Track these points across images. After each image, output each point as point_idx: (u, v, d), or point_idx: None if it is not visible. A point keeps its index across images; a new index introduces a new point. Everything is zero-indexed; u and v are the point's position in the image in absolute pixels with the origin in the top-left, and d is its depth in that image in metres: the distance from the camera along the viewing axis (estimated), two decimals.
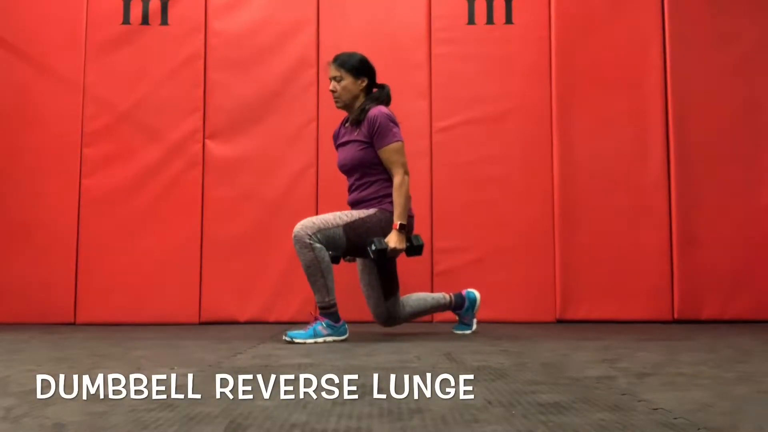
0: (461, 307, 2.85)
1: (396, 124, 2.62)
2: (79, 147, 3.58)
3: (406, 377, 1.26)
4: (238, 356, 2.02)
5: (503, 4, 3.70)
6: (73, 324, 3.48)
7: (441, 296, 2.85)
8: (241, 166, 3.59)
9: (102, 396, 1.30)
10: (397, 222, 2.53)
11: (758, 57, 3.65)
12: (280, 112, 3.62)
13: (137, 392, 1.35)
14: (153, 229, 3.54)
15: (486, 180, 3.59)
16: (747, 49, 3.66)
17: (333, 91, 2.67)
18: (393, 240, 2.51)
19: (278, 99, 3.62)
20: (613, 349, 2.21)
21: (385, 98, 2.70)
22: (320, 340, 2.48)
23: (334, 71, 2.67)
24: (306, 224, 2.49)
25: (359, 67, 2.68)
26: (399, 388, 1.39)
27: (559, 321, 3.52)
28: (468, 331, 2.84)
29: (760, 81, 3.64)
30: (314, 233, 2.47)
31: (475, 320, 2.87)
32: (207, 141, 3.60)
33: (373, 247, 2.49)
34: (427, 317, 3.53)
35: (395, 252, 2.53)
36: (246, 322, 3.47)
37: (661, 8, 3.67)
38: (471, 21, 3.70)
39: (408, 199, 2.57)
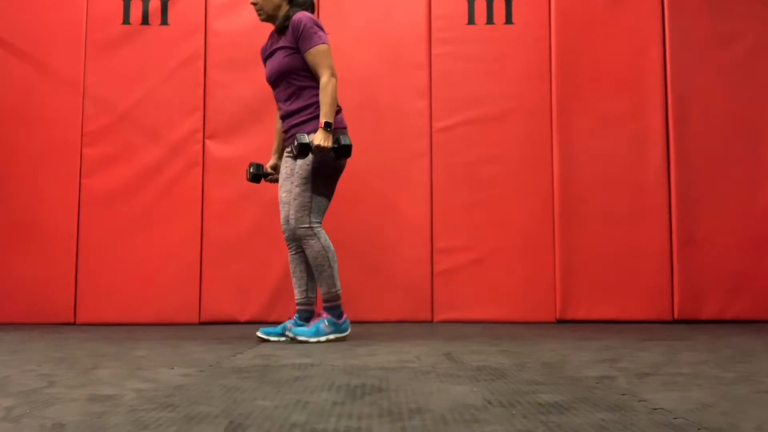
0: (338, 317, 2.54)
1: (321, 27, 2.56)
2: (79, 147, 3.58)
3: (407, 377, 1.26)
4: (238, 356, 2.02)
5: (503, 4, 3.70)
6: (73, 324, 3.49)
7: (338, 283, 2.56)
8: (241, 166, 3.58)
9: (102, 396, 1.30)
10: (322, 120, 2.45)
11: (758, 57, 3.65)
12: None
13: (137, 392, 1.35)
14: (153, 229, 3.54)
15: (486, 180, 3.59)
16: (747, 49, 3.66)
17: (254, 3, 2.61)
18: (318, 137, 2.41)
19: None
20: (613, 349, 2.21)
21: (309, 5, 2.66)
22: (323, 338, 2.48)
23: None
24: (295, 221, 2.49)
25: None
26: (399, 388, 1.39)
27: (559, 321, 3.52)
28: (303, 336, 2.46)
29: (760, 81, 3.64)
30: (309, 222, 2.48)
31: (324, 337, 2.49)
32: (207, 141, 3.60)
33: (296, 143, 2.43)
34: (427, 316, 3.54)
35: (320, 149, 2.42)
36: (246, 322, 3.47)
37: (661, 8, 3.67)
38: (471, 21, 3.70)
39: (334, 99, 2.49)
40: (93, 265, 3.52)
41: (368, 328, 3.16)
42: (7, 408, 1.20)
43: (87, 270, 3.52)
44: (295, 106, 2.57)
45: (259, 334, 2.56)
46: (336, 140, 2.46)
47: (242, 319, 3.50)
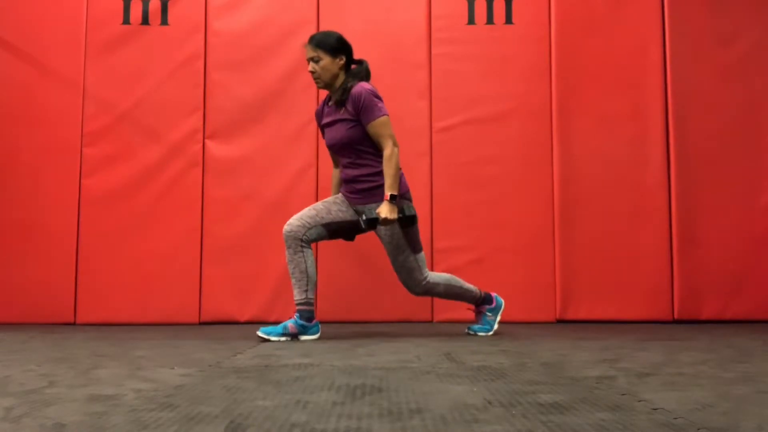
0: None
1: (379, 98, 2.63)
2: (79, 147, 3.58)
3: (407, 377, 1.26)
4: (238, 356, 2.02)
5: (503, 4, 3.70)
6: (73, 324, 3.49)
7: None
8: (241, 166, 3.60)
9: (102, 396, 1.30)
10: (387, 192, 2.54)
11: (758, 57, 3.65)
12: (280, 112, 3.62)
13: (137, 392, 1.35)
14: (153, 229, 3.54)
15: (486, 180, 3.59)
16: (747, 49, 3.66)
17: (312, 72, 2.67)
18: (384, 210, 2.53)
19: (278, 99, 3.63)
20: (613, 349, 2.21)
21: (364, 74, 2.71)
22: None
23: (311, 52, 2.67)
24: (411, 284, 2.71)
25: (336, 46, 2.67)
26: (399, 388, 1.39)
27: (559, 321, 3.52)
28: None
29: (760, 81, 3.64)
30: (420, 275, 2.69)
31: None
32: (207, 141, 3.60)
33: (364, 217, 2.55)
34: (427, 316, 3.54)
35: (387, 222, 2.53)
36: (246, 322, 3.47)
37: (661, 8, 3.67)
38: (471, 21, 3.70)
39: (398, 170, 2.59)
40: (93, 265, 3.52)
41: (368, 328, 3.16)
42: (7, 408, 1.20)
43: (87, 270, 3.52)
44: (358, 172, 2.66)
45: (259, 333, 2.56)
46: (401, 210, 2.57)
47: (242, 319, 3.50)
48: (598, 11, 3.68)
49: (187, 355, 2.04)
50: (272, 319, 3.46)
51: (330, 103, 2.73)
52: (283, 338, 2.55)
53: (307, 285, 2.58)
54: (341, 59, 2.68)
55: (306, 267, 2.58)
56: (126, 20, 3.66)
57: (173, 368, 1.74)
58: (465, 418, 1.09)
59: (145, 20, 3.66)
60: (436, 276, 2.73)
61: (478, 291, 2.81)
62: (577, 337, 2.66)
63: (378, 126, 2.59)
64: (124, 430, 1.02)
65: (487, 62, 3.66)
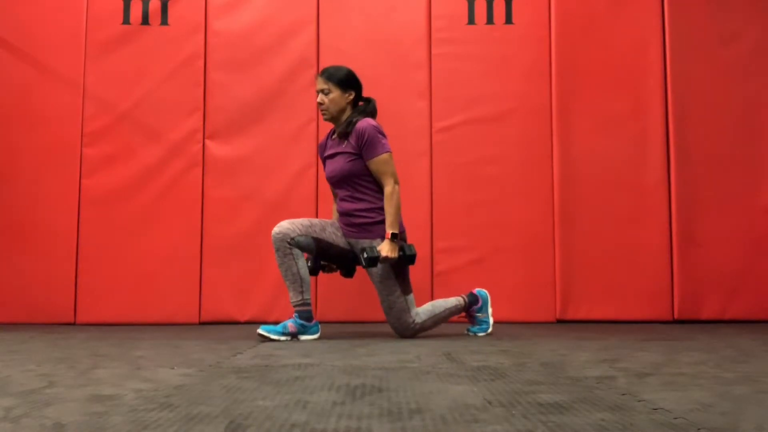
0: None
1: (383, 135, 2.65)
2: (79, 147, 3.58)
3: (407, 377, 1.26)
4: (238, 356, 2.02)
5: (503, 4, 3.70)
6: (73, 324, 3.49)
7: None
8: (241, 166, 3.60)
9: (102, 396, 1.30)
10: (389, 231, 2.56)
11: (758, 57, 3.65)
12: (280, 112, 3.62)
13: (137, 392, 1.35)
14: (153, 229, 3.54)
15: (486, 180, 3.59)
16: (747, 49, 3.66)
17: (320, 104, 2.69)
18: (385, 249, 2.54)
19: (278, 99, 3.63)
20: (613, 349, 2.21)
21: (371, 111, 2.73)
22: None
23: (321, 84, 2.69)
24: (399, 326, 2.66)
25: (347, 81, 2.69)
26: (399, 388, 1.39)
27: (559, 321, 3.52)
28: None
29: (760, 81, 3.64)
30: (409, 317, 2.65)
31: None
32: (207, 141, 3.60)
33: (365, 255, 2.53)
34: None
35: (387, 260, 2.54)
36: (246, 322, 3.47)
37: (661, 8, 3.67)
38: (471, 21, 3.70)
39: (398, 208, 2.60)
40: (93, 265, 3.52)
41: (368, 328, 3.16)
42: (7, 408, 1.20)
43: (87, 270, 3.52)
44: (355, 206, 2.65)
45: (260, 331, 2.56)
46: (401, 248, 2.57)
47: (242, 319, 3.50)
48: (598, 11, 3.68)
49: (187, 355, 2.04)
50: (272, 319, 3.46)
51: (333, 136, 2.75)
52: (283, 337, 2.55)
53: (302, 286, 2.57)
54: (350, 94, 2.70)
55: (297, 269, 2.56)
56: (126, 20, 3.66)
57: (173, 368, 1.74)
58: (465, 418, 1.09)
59: (145, 20, 3.66)
60: (422, 312, 2.69)
61: (462, 300, 2.80)
62: (577, 337, 2.66)
63: (380, 163, 2.60)
64: (124, 430, 1.02)
65: (487, 62, 3.66)
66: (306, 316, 2.58)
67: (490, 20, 3.70)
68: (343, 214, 2.69)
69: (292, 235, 2.55)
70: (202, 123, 3.60)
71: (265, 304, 3.50)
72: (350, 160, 2.63)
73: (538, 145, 3.61)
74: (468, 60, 3.66)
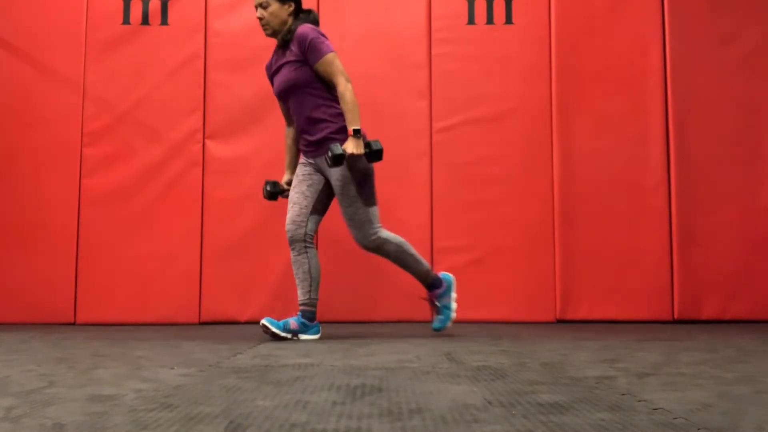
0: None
1: (325, 36, 2.57)
2: (79, 147, 3.58)
3: (407, 377, 1.26)
4: (238, 356, 2.02)
5: (503, 4, 3.70)
6: (73, 324, 3.49)
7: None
8: (241, 166, 3.60)
9: (102, 396, 1.30)
10: (350, 127, 2.49)
11: (758, 57, 3.65)
12: (280, 112, 3.61)
13: (137, 392, 1.35)
14: (153, 229, 3.54)
15: (486, 180, 3.59)
16: (747, 49, 3.66)
17: (260, 19, 2.61)
18: (350, 146, 2.46)
19: None
20: (613, 349, 2.20)
21: (312, 20, 2.66)
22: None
23: None
24: (360, 237, 2.60)
25: None
26: (399, 388, 1.39)
27: (559, 321, 3.52)
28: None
29: (760, 81, 3.64)
30: (375, 232, 2.59)
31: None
32: (207, 141, 3.60)
33: (330, 153, 2.44)
34: (427, 316, 3.53)
35: (354, 157, 2.48)
36: (246, 322, 3.48)
37: (661, 8, 3.67)
38: (471, 21, 3.70)
39: (355, 104, 2.51)
40: (93, 265, 3.52)
41: (368, 328, 3.16)
42: (7, 408, 1.20)
43: (87, 270, 3.52)
44: (312, 117, 2.57)
45: (263, 321, 2.55)
46: (367, 145, 2.50)
47: (242, 319, 3.50)
48: (598, 11, 3.68)
49: (187, 355, 2.04)
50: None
51: (277, 51, 2.68)
52: (283, 333, 2.53)
53: (310, 285, 2.58)
54: (290, 6, 2.62)
55: (309, 267, 2.57)
56: (126, 20, 3.66)
57: (173, 368, 1.74)
58: (465, 418, 1.09)
59: (145, 20, 3.66)
60: (389, 234, 2.62)
61: (427, 266, 2.72)
62: (577, 337, 2.66)
63: (326, 64, 2.53)
64: (124, 430, 1.02)
65: (487, 62, 3.66)
66: (309, 315, 2.58)
67: (490, 20, 3.70)
68: (302, 132, 2.63)
69: (303, 232, 2.56)
70: (202, 123, 3.61)
71: (265, 304, 3.50)
72: (295, 69, 2.56)
73: (538, 145, 3.61)
74: (468, 60, 3.66)
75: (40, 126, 3.59)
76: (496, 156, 3.60)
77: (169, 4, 3.67)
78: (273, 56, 2.73)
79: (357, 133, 2.48)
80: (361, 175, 2.56)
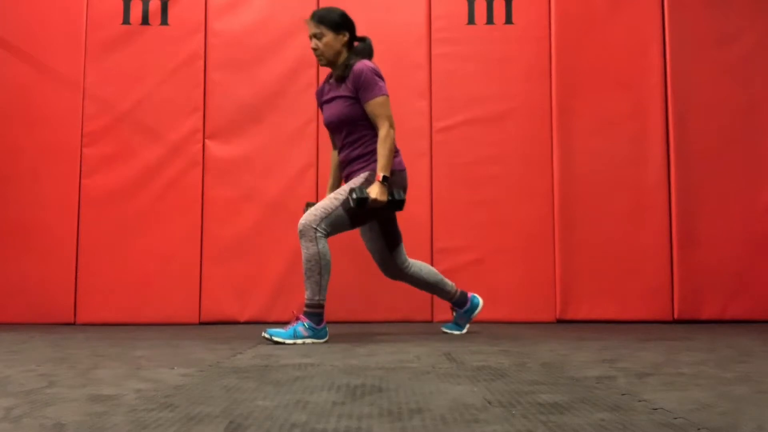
0: (462, 305, 2.84)
1: (381, 77, 2.58)
2: (79, 147, 3.58)
3: (406, 377, 1.26)
4: (238, 356, 2.02)
5: (503, 4, 3.70)
6: (73, 324, 3.49)
7: (450, 282, 2.84)
8: (241, 166, 3.60)
9: (102, 396, 1.30)
10: (380, 174, 2.49)
11: (758, 57, 3.65)
12: (280, 112, 3.62)
13: (137, 392, 1.35)
14: (153, 229, 3.54)
15: (486, 180, 3.59)
16: (747, 49, 3.66)
17: (315, 49, 2.62)
18: (374, 191, 2.46)
19: (278, 99, 3.63)
20: (613, 349, 2.20)
21: (368, 51, 2.67)
22: (299, 341, 2.42)
23: (313, 28, 2.62)
24: (308, 218, 2.48)
25: (339, 22, 2.62)
26: (399, 388, 1.39)
27: (559, 321, 3.52)
28: (457, 332, 2.83)
29: (760, 81, 3.64)
30: (318, 224, 2.46)
31: (468, 325, 2.88)
32: (207, 141, 3.60)
33: (354, 195, 2.45)
34: (427, 316, 3.54)
35: (376, 203, 2.47)
36: (246, 322, 3.48)
37: (661, 8, 3.67)
38: (471, 21, 3.70)
39: (392, 151, 2.52)
40: (93, 265, 3.52)
41: (368, 328, 3.16)
42: (7, 408, 1.20)
43: (87, 270, 3.52)
44: (354, 153, 2.61)
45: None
46: (391, 194, 2.51)
47: (242, 319, 3.50)
48: (598, 11, 3.68)
49: (187, 355, 2.04)
50: (272, 319, 3.46)
51: (331, 80, 2.69)
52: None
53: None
54: (344, 35, 2.63)
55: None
56: (126, 20, 3.66)
57: (173, 368, 1.74)
58: (465, 418, 1.09)
59: (145, 20, 3.66)
60: (323, 243, 2.48)
61: (321, 302, 2.52)
62: (577, 337, 2.66)
63: (376, 105, 2.54)
64: (124, 430, 1.02)
65: (487, 62, 3.66)
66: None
67: (490, 20, 3.70)
68: (344, 162, 2.66)
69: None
70: (202, 123, 3.60)
71: (264, 304, 3.50)
72: (348, 105, 2.58)
73: (538, 145, 3.61)
74: (468, 60, 3.66)
75: (40, 126, 3.59)
76: (495, 156, 3.60)
77: (169, 4, 3.67)
78: (325, 84, 2.75)
79: (385, 179, 2.49)
80: (396, 208, 2.58)
